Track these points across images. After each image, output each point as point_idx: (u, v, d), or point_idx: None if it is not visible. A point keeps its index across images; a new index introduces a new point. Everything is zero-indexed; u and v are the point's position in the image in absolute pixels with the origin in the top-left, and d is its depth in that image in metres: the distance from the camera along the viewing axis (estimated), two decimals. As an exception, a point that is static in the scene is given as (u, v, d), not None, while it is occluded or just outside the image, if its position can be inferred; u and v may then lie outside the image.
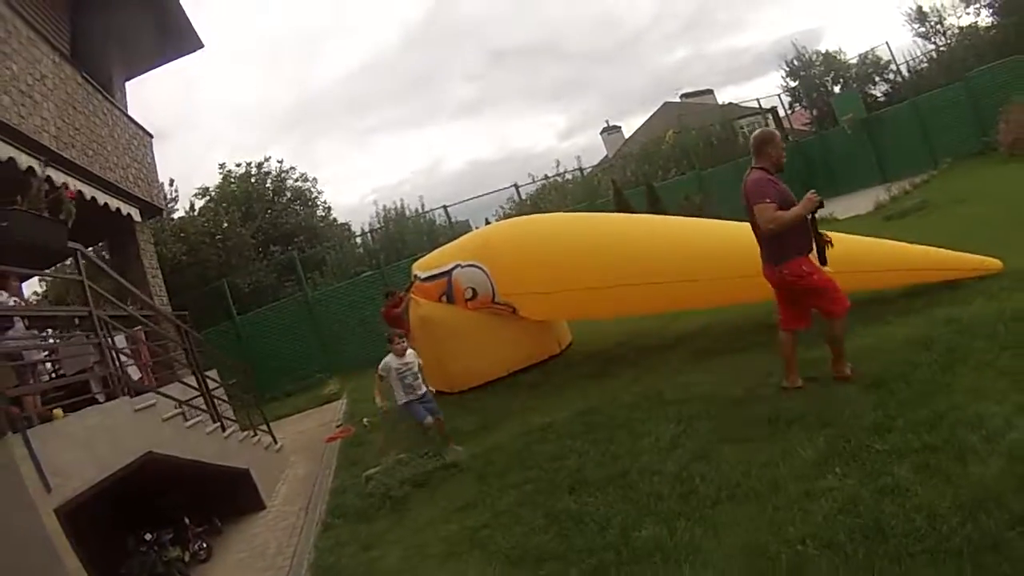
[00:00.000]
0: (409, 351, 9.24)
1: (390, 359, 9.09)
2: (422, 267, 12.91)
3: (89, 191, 10.49)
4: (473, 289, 11.71)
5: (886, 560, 3.66)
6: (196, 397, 9.65)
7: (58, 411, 6.44)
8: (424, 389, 9.09)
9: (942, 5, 32.86)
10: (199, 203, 28.88)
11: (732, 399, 7.14)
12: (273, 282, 25.66)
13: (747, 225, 6.88)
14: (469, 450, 8.51)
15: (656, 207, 21.14)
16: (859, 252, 8.75)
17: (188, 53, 17.75)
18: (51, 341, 8.33)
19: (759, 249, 6.79)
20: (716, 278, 9.53)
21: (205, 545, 8.13)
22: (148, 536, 7.53)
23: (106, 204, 11.66)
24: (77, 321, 9.06)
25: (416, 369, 9.08)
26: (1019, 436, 4.38)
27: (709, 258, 9.62)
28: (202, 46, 17.59)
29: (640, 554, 4.62)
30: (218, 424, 9.38)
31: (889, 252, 9.03)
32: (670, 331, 11.28)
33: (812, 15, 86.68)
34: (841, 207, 21.45)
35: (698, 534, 4.61)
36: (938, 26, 32.79)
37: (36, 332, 8.21)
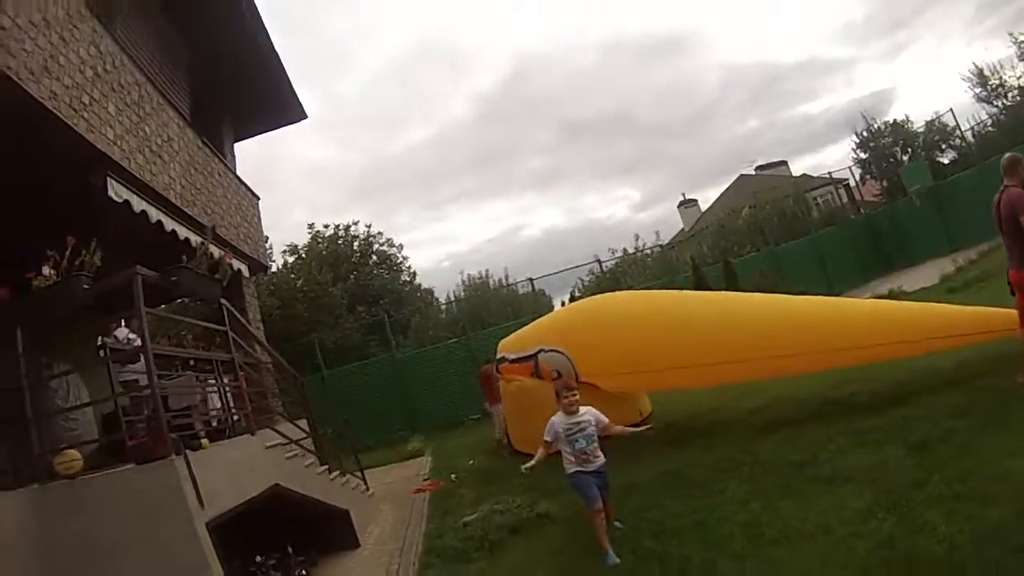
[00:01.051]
0: (585, 409, 7.48)
1: (556, 419, 7.48)
2: (509, 349, 13.87)
3: (207, 246, 11.22)
4: (558, 372, 12.41)
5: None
6: (304, 439, 10.42)
7: (205, 441, 7.50)
8: (601, 459, 7.41)
9: (1000, 65, 32.91)
10: (289, 259, 30.28)
11: (794, 462, 8.02)
12: (357, 341, 26.62)
13: (815, 300, 7.95)
14: (559, 504, 9.15)
15: (733, 283, 21.76)
16: (916, 320, 9.56)
17: (293, 123, 18.93)
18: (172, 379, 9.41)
19: (1009, 254, 8.20)
20: (778, 356, 10.31)
21: (304, 573, 8.85)
22: (258, 559, 8.42)
23: (221, 259, 12.66)
24: (192, 362, 10.21)
25: (591, 431, 7.37)
26: None
27: (775, 336, 10.28)
28: (305, 117, 18.67)
29: None
30: (326, 466, 10.32)
31: (941, 317, 9.55)
32: (740, 406, 12.03)
33: (881, 78, 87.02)
34: (909, 279, 22.04)
35: (762, 569, 5.54)
36: (999, 88, 32.74)
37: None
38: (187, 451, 6.39)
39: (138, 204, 9.01)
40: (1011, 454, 6.00)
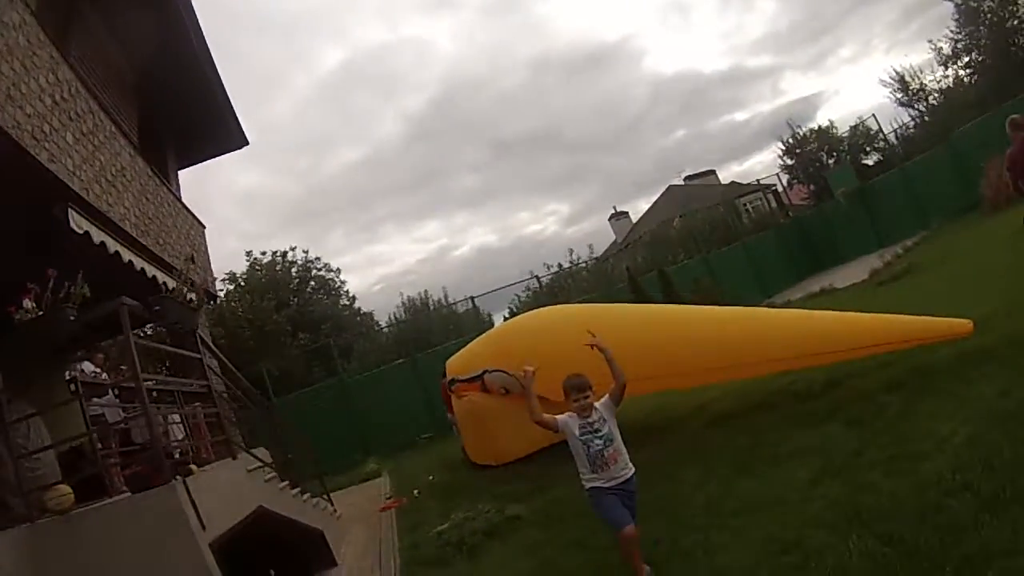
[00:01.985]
0: (599, 405, 6.35)
1: (565, 418, 6.43)
2: (456, 371, 14.40)
3: (162, 277, 10.95)
4: (505, 388, 13.01)
5: (859, 527, 5.34)
6: (270, 465, 10.51)
7: (193, 466, 7.82)
8: (629, 470, 6.23)
9: (919, 70, 34.79)
10: (229, 287, 30.22)
11: (744, 446, 8.86)
12: (302, 368, 26.79)
13: (742, 313, 8.92)
14: (528, 507, 9.62)
15: (669, 292, 22.52)
16: (839, 333, 9.98)
17: (235, 149, 19.08)
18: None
19: None
20: (709, 368, 11.07)
21: None
22: None
23: (198, 288, 12.61)
24: (155, 394, 10.34)
25: (608, 431, 6.22)
26: (959, 438, 6.17)
27: (707, 346, 10.79)
28: (247, 143, 18.78)
29: (686, 554, 6.26)
30: (297, 488, 10.65)
31: (867, 328, 9.80)
32: (687, 403, 12.74)
33: (805, 85, 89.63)
34: (840, 277, 23.19)
35: (726, 537, 6.27)
36: (919, 92, 34.68)
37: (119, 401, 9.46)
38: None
39: (97, 235, 8.95)
40: (938, 418, 6.86)
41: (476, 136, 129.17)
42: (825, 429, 8.16)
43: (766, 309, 10.57)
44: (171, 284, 9.51)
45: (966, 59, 32.67)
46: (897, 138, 33.62)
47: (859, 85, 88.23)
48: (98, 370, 9.67)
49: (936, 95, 34.02)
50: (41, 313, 6.77)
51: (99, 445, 7.09)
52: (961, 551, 4.45)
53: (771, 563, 5.45)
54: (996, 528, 4.51)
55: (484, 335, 15.57)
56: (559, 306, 16.78)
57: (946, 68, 33.69)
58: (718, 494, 7.49)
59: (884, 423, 7.54)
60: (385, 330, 29.86)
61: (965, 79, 32.49)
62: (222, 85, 15.68)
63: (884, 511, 5.47)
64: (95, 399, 8.68)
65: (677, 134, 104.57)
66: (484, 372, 13.41)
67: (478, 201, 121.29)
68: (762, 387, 11.31)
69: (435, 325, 27.37)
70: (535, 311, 17.62)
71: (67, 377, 8.88)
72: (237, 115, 17.20)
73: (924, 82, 34.71)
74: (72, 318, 6.80)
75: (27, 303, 6.73)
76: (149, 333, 17.02)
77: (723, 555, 5.93)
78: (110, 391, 9.25)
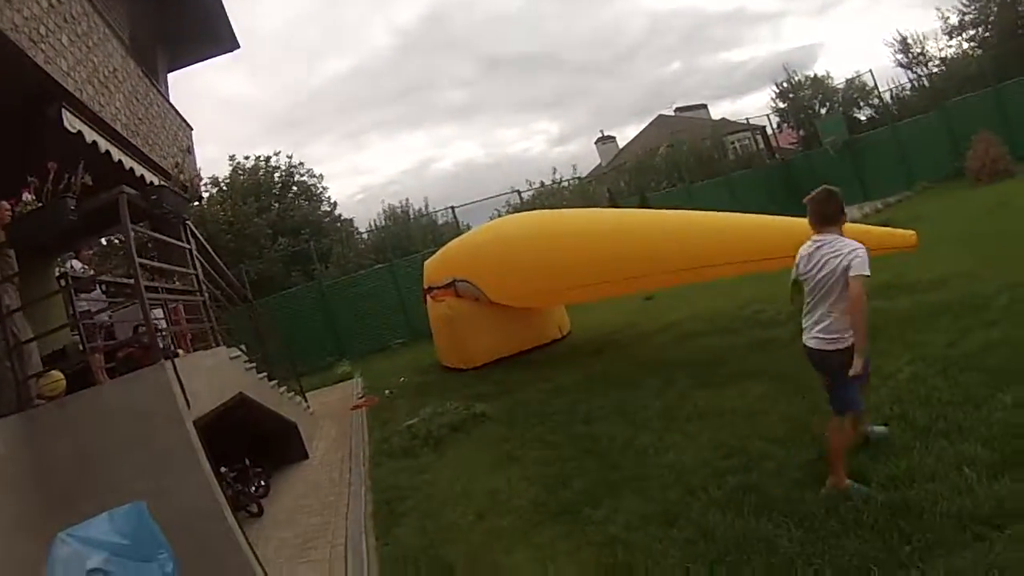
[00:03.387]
0: (833, 238, 5.08)
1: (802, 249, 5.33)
2: (433, 279, 14.88)
3: (149, 176, 11.07)
4: (475, 296, 13.54)
5: (802, 443, 5.91)
6: (252, 359, 10.79)
7: (181, 351, 8.17)
8: (826, 324, 5.03)
9: (923, 36, 34.82)
10: (212, 191, 30.11)
11: (704, 362, 9.45)
12: (280, 272, 26.89)
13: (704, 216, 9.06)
14: (493, 406, 10.13)
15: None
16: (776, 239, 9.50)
17: (226, 52, 18.72)
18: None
19: None
20: (671, 271, 10.80)
21: (263, 483, 9.42)
22: (222, 470, 8.72)
23: (192, 179, 12.53)
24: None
25: (838, 265, 4.86)
26: (903, 376, 6.72)
27: (669, 252, 10.42)
28: (238, 46, 18.48)
29: (639, 450, 6.85)
30: (275, 381, 11.05)
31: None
32: (656, 321, 13.27)
33: (807, 33, 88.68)
34: (819, 223, 23.26)
35: (678, 438, 6.85)
36: (920, 56, 34.70)
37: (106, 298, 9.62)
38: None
39: (89, 134, 9.01)
40: (888, 357, 7.33)
41: (467, 52, 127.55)
42: (783, 355, 8.64)
43: (723, 215, 10.51)
44: (159, 183, 9.63)
45: (972, 32, 32.72)
46: (892, 98, 33.58)
47: (860, 41, 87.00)
48: (86, 267, 9.86)
49: (937, 63, 34.04)
50: (41, 205, 6.92)
51: (85, 339, 7.28)
52: (888, 470, 4.95)
53: (715, 464, 6.00)
54: (923, 454, 5.02)
55: (457, 240, 15.95)
56: (527, 212, 17.07)
57: (951, 38, 33.74)
58: (675, 402, 8.06)
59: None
60: (365, 236, 29.96)
61: (968, 52, 32.44)
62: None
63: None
64: (82, 295, 8.62)
65: (673, 66, 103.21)
66: (454, 281, 13.92)
67: (465, 116, 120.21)
68: (728, 313, 11.91)
69: (414, 233, 27.54)
70: (496, 220, 17.96)
71: (56, 274, 9.12)
72: (228, 17, 16.97)
73: (926, 48, 34.73)
74: (72, 207, 6.90)
75: (27, 196, 6.90)
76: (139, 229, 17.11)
77: (673, 454, 6.49)
78: (97, 287, 9.42)
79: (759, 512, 4.94)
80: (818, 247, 5.09)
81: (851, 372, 4.72)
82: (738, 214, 9.81)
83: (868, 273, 4.73)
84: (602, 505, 5.90)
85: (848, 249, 4.85)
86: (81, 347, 7.32)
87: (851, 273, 4.75)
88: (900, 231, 8.23)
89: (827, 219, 5.18)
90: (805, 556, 4.25)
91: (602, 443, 7.37)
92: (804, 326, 5.24)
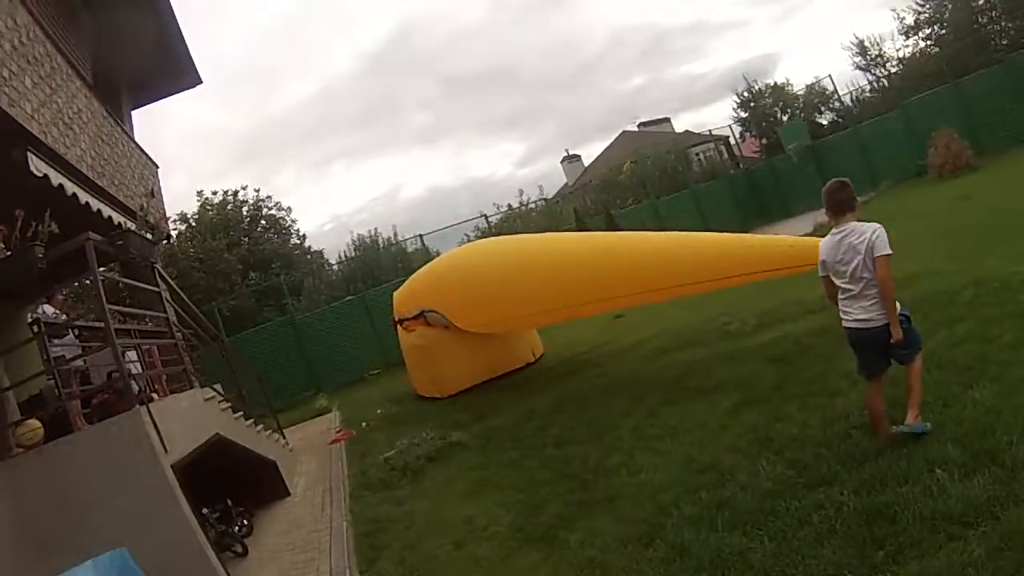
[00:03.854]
0: (854, 224, 5.47)
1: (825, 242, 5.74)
2: (402, 310, 14.86)
3: (117, 217, 11.06)
4: (445, 325, 13.54)
5: (771, 453, 6.02)
6: (228, 398, 10.87)
7: (155, 395, 8.20)
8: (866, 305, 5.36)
9: (880, 38, 35.44)
10: (180, 227, 29.99)
11: (672, 378, 9.61)
12: (252, 308, 26.76)
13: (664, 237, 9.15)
14: (469, 434, 10.25)
15: (615, 234, 22.98)
16: (725, 263, 9.77)
17: (188, 88, 18.76)
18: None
19: None
20: (636, 293, 10.87)
21: (245, 523, 9.42)
22: (204, 511, 8.74)
23: (158, 223, 12.56)
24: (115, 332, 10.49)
25: (864, 250, 5.24)
26: None
27: (629, 274, 10.49)
28: (201, 82, 18.50)
29: (611, 471, 6.98)
30: (251, 420, 11.02)
31: (778, 253, 9.54)
32: (626, 339, 13.44)
33: (767, 42, 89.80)
34: (785, 229, 23.58)
35: (649, 456, 7.00)
36: (878, 58, 35.27)
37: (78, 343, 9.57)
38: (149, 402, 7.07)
39: (56, 178, 8.96)
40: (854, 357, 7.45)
41: (430, 73, 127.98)
42: (750, 366, 8.89)
43: (686, 235, 10.70)
44: (127, 224, 9.63)
45: (928, 31, 33.31)
46: (852, 100, 33.94)
47: (819, 47, 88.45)
48: (58, 312, 9.86)
49: (895, 63, 34.69)
50: (9, 253, 6.97)
51: (61, 385, 7.37)
52: (859, 476, 5.06)
53: (687, 481, 6.12)
54: (893, 458, 5.12)
55: (422, 269, 15.88)
56: (491, 239, 17.13)
57: (907, 38, 34.36)
58: (645, 420, 8.22)
59: (805, 362, 8.26)
60: (335, 267, 29.88)
61: (925, 50, 33.02)
62: (175, 20, 15.48)
63: (795, 439, 6.15)
64: (55, 340, 8.69)
65: (635, 80, 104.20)
66: (422, 312, 13.93)
67: (430, 139, 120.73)
68: (697, 326, 12.07)
69: (384, 263, 27.39)
70: (469, 244, 18.04)
71: (29, 320, 9.11)
72: (191, 53, 16.90)
73: (883, 50, 35.41)
74: (41, 255, 6.91)
75: None
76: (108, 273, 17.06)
77: (645, 473, 6.61)
78: (70, 332, 9.41)
79: (732, 526, 5.05)
80: (841, 237, 5.45)
81: (892, 340, 5.22)
82: (702, 233, 9.92)
83: (890, 251, 5.15)
84: (578, 528, 6.00)
85: (869, 232, 5.25)
86: (57, 392, 7.36)
87: (875, 254, 5.16)
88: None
89: (843, 207, 5.57)
90: (780, 568, 4.35)
91: (574, 465, 7.51)
92: (845, 311, 5.56)
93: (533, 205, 32.50)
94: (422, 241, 26.42)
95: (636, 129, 52.14)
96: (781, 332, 10.02)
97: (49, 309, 9.50)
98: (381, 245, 29.39)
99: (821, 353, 8.34)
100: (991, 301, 7.64)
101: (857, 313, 5.41)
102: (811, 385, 7.37)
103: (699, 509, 5.50)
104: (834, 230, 5.56)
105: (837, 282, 5.55)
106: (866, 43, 35.62)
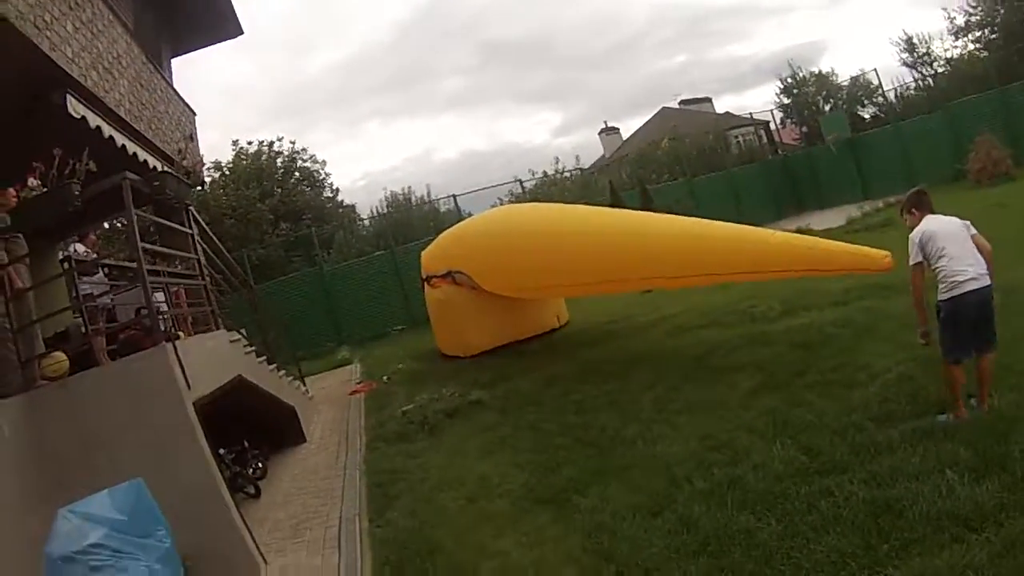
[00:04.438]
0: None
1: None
2: (428, 268, 14.94)
3: (152, 161, 11.09)
4: (471, 287, 13.54)
5: (786, 437, 6.06)
6: (252, 344, 11.03)
7: (182, 333, 8.28)
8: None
9: (929, 36, 34.77)
10: (215, 175, 30.04)
11: (695, 356, 9.66)
12: (281, 258, 26.92)
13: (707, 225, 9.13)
14: (490, 393, 10.32)
15: (648, 209, 22.73)
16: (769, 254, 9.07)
17: (230, 38, 18.69)
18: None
19: None
20: (669, 277, 10.63)
21: (260, 465, 9.60)
22: (221, 451, 8.89)
23: (195, 166, 12.08)
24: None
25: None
26: (891, 375, 6.86)
27: (666, 258, 9.94)
28: (242, 32, 18.47)
29: (627, 441, 7.07)
30: (274, 365, 11.19)
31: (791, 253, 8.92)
32: (652, 314, 13.42)
33: (814, 29, 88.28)
34: (818, 220, 23.38)
35: (666, 430, 7.07)
36: (925, 56, 34.61)
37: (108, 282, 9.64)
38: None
39: (93, 120, 9.03)
40: (877, 355, 7.58)
41: (468, 39, 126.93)
42: (772, 350, 8.90)
43: (707, 223, 10.34)
44: (162, 168, 9.72)
45: (978, 34, 32.57)
46: (896, 97, 33.44)
47: (866, 39, 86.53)
48: (89, 251, 9.96)
49: (942, 63, 33.91)
50: (46, 190, 7.06)
51: (87, 321, 7.36)
52: (871, 468, 5.10)
53: (701, 456, 6.18)
54: (907, 453, 5.17)
55: (451, 230, 15.88)
56: (523, 205, 17.00)
57: (956, 39, 33.57)
58: (666, 394, 8.27)
59: (829, 352, 8.25)
60: (366, 223, 29.93)
61: (974, 53, 32.27)
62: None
63: (811, 425, 6.18)
64: (85, 278, 8.70)
65: (678, 58, 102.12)
66: (449, 272, 13.95)
67: (467, 104, 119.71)
68: (723, 307, 12.03)
69: (416, 221, 27.47)
70: (501, 208, 17.98)
71: (60, 258, 9.24)
72: (232, 3, 16.93)
73: (932, 48, 34.62)
74: (77, 193, 7.02)
75: (32, 181, 7.05)
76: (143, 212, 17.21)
77: (661, 445, 6.69)
78: (99, 271, 9.51)
79: (741, 505, 5.11)
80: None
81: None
82: (741, 226, 9.62)
83: (910, 261, 5.79)
84: (590, 493, 6.07)
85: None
86: (83, 330, 7.37)
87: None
88: (872, 252, 7.86)
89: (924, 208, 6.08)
90: (784, 550, 4.40)
91: (592, 432, 7.59)
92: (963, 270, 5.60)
93: (568, 174, 32.33)
94: (455, 202, 26.30)
95: (676, 106, 51.52)
96: (806, 320, 9.99)
97: (80, 248, 9.61)
98: (414, 203, 29.39)
99: (844, 345, 8.36)
100: (1019, 311, 7.49)
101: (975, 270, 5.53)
102: (831, 374, 7.42)
103: (710, 485, 5.56)
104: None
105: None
106: (914, 40, 34.92)
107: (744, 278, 10.44)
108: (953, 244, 5.60)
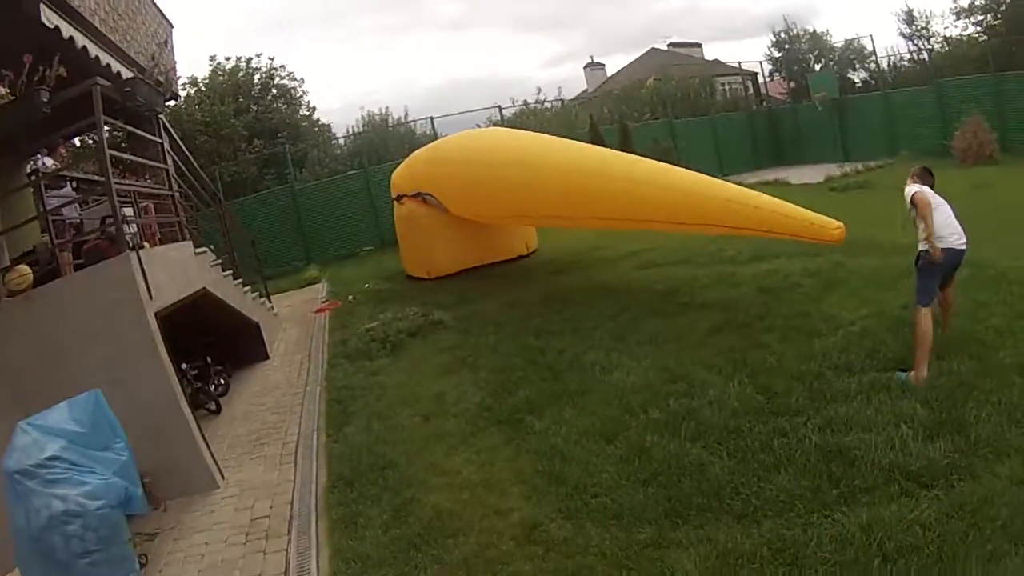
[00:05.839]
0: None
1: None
2: (399, 187, 14.91)
3: (126, 72, 10.40)
4: (442, 209, 13.55)
5: (744, 376, 6.16)
6: (222, 258, 11.02)
7: (147, 244, 8.18)
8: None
9: (931, 13, 34.41)
10: (190, 91, 29.51)
11: (660, 291, 9.77)
12: (254, 175, 26.45)
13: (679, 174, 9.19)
14: (451, 314, 10.40)
15: (626, 145, 22.64)
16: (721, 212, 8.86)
17: None
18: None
19: None
20: (634, 220, 10.23)
21: (223, 382, 9.64)
22: (183, 366, 8.78)
23: (168, 74, 11.89)
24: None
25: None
26: (854, 328, 6.96)
27: (633, 201, 9.68)
28: None
29: (585, 367, 7.17)
30: (240, 280, 11.13)
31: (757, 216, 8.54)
32: (621, 247, 13.44)
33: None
34: (796, 175, 23.62)
35: (625, 359, 7.13)
36: (923, 30, 34.30)
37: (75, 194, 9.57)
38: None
39: (67, 30, 8.48)
40: (842, 308, 7.70)
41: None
42: (738, 291, 9.01)
43: (666, 170, 10.10)
44: (162, 69, 9.53)
45: (980, 18, 32.21)
46: (889, 65, 32.95)
47: (865, 5, 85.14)
48: (58, 164, 9.80)
49: (940, 40, 33.58)
50: (15, 98, 6.82)
51: (54, 236, 7.35)
52: (826, 414, 5.17)
53: (658, 387, 6.27)
54: (863, 404, 5.25)
55: (423, 150, 15.81)
56: (497, 129, 16.88)
57: (958, 19, 33.02)
58: (627, 325, 8.37)
59: (793, 299, 8.38)
60: (342, 142, 29.54)
61: (974, 36, 31.58)
62: None
63: (770, 368, 6.27)
64: (52, 191, 8.67)
65: (675, 2, 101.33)
66: (419, 193, 13.97)
67: (455, 27, 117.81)
68: (693, 247, 12.05)
69: (391, 142, 27.05)
70: (474, 131, 17.85)
71: (28, 170, 9.06)
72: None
73: (931, 25, 34.11)
74: (45, 100, 6.81)
75: (1, 89, 6.84)
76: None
77: (618, 373, 6.78)
78: (67, 184, 9.37)
79: (695, 437, 5.19)
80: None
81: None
82: (699, 177, 9.44)
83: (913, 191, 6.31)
84: (545, 416, 6.16)
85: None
86: (50, 243, 7.28)
87: None
88: (826, 222, 7.77)
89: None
90: (734, 485, 4.48)
91: (550, 356, 7.69)
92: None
93: (549, 105, 32.03)
94: (432, 124, 26.00)
95: (665, 48, 51.09)
96: (774, 266, 10.07)
97: (49, 161, 9.44)
98: (391, 124, 29.03)
99: (810, 294, 8.47)
100: (985, 286, 7.64)
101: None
102: (794, 320, 7.50)
103: (665, 416, 5.63)
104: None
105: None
106: (915, 13, 34.54)
107: (693, 230, 10.37)
108: (948, 209, 6.20)
